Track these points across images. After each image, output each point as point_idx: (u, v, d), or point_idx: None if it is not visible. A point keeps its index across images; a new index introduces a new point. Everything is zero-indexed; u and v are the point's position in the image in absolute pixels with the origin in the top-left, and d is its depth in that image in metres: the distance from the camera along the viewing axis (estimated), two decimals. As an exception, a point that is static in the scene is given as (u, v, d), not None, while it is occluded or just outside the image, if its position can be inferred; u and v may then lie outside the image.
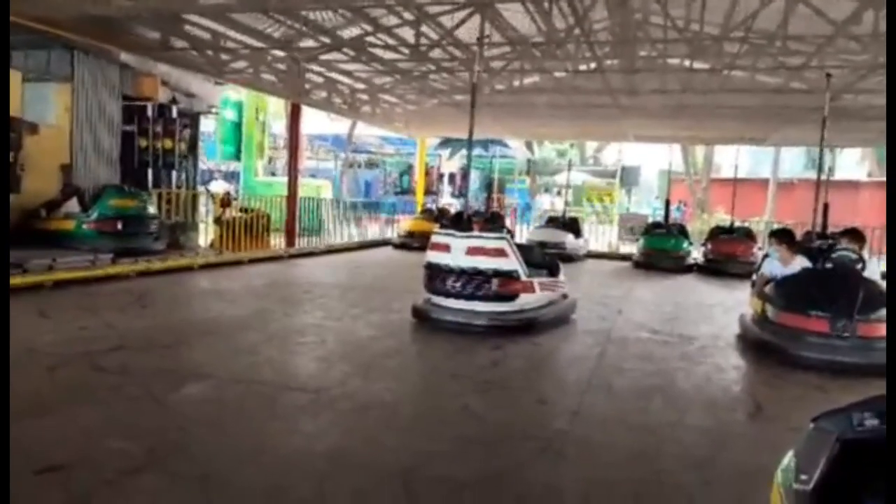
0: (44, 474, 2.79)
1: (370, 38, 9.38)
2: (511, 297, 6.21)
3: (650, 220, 16.63)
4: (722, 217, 18.79)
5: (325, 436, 3.49)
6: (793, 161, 30.18)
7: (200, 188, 13.37)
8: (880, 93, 9.74)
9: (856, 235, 6.69)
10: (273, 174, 22.38)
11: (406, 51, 9.72)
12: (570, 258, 12.56)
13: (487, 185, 19.82)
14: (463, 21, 8.40)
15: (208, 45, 9.78)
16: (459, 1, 7.84)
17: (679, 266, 12.44)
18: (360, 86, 12.70)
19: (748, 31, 7.85)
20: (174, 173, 11.79)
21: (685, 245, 13.01)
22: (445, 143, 25.45)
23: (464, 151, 15.02)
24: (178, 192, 11.55)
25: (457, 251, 6.22)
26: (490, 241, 6.27)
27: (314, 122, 21.40)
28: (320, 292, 8.29)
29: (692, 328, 6.93)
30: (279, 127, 22.27)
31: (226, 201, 12.00)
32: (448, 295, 6.25)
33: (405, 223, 16.03)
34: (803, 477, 1.40)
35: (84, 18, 8.07)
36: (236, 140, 19.17)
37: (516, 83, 11.36)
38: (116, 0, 7.69)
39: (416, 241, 13.70)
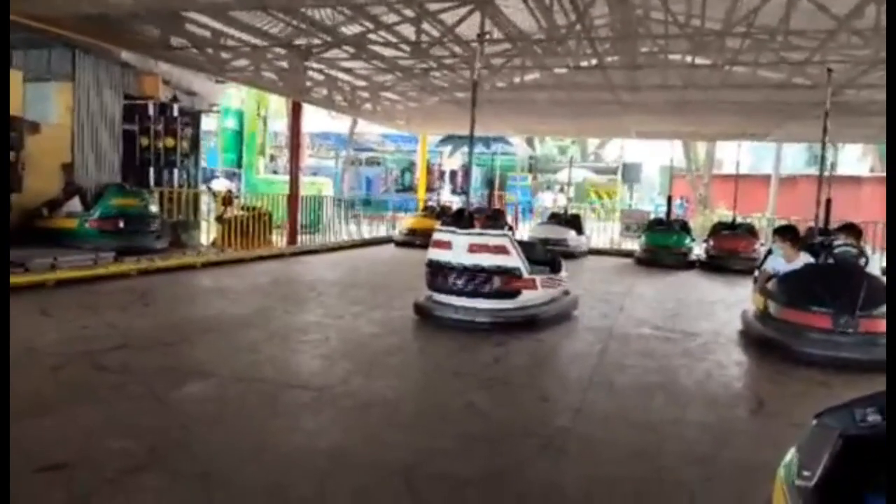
0: (44, 473, 2.79)
1: (371, 36, 9.37)
2: (513, 294, 6.21)
3: (652, 216, 16.60)
4: (724, 213, 18.75)
5: (327, 433, 3.49)
6: (795, 157, 30.09)
7: (202, 186, 13.36)
8: (882, 88, 9.69)
9: (853, 230, 6.68)
10: (275, 172, 22.37)
11: (407, 48, 9.70)
12: (571, 255, 12.56)
13: (489, 182, 19.79)
14: (463, 18, 8.38)
15: (209, 43, 9.76)
16: (460, -2, 7.82)
17: (681, 262, 12.43)
18: (361, 83, 12.67)
19: (750, 27, 7.82)
20: (176, 172, 11.79)
21: (687, 241, 12.98)
22: (447, 140, 25.40)
23: (465, 149, 15.04)
24: (180, 191, 11.56)
25: (458, 248, 6.22)
26: (492, 238, 6.26)
27: (315, 120, 21.39)
28: (322, 290, 8.30)
29: (694, 324, 6.92)
30: (280, 125, 22.25)
31: (227, 200, 12.01)
32: (450, 292, 6.24)
33: (407, 221, 16.01)
34: (806, 473, 1.39)
35: (84, 17, 8.07)
36: (237, 148, 19.27)
37: (517, 80, 11.31)
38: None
39: (417, 239, 13.67)
